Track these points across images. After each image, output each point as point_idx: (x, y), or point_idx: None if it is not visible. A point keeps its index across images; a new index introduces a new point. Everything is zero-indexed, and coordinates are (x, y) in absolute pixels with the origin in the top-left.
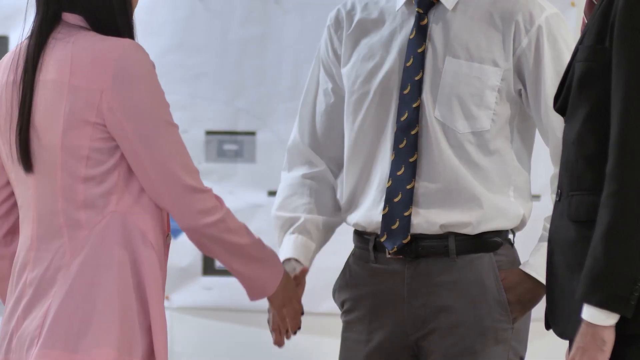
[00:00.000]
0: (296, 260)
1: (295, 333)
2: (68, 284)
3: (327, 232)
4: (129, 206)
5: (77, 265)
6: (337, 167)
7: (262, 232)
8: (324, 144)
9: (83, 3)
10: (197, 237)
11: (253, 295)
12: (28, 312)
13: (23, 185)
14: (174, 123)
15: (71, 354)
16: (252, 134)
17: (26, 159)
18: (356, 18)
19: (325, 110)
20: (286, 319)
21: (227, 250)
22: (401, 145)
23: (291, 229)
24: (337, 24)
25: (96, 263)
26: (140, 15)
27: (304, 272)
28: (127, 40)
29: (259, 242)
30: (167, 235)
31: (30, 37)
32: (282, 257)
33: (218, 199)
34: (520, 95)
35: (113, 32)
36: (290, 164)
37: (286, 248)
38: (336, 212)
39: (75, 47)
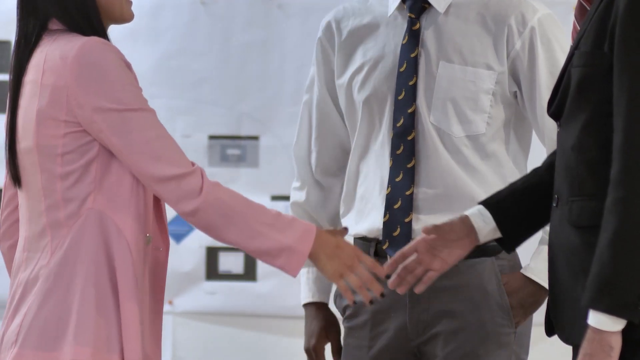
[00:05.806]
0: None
1: (378, 295)
2: (47, 283)
3: None
4: (107, 202)
5: (55, 263)
6: (339, 183)
7: None
8: (324, 158)
9: (56, 7)
10: (192, 223)
11: (288, 268)
12: (15, 312)
13: (20, 189)
14: (147, 108)
15: (48, 353)
16: (255, 138)
17: (12, 165)
18: (348, 27)
19: (321, 121)
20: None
21: (227, 231)
22: (398, 152)
23: None
24: (329, 35)
25: (73, 260)
26: (143, 21)
27: (343, 231)
28: (90, 38)
29: (263, 210)
30: (146, 235)
31: (19, 46)
32: None
33: (196, 179)
34: (515, 97)
35: (83, 33)
36: (299, 178)
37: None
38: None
39: (50, 49)
